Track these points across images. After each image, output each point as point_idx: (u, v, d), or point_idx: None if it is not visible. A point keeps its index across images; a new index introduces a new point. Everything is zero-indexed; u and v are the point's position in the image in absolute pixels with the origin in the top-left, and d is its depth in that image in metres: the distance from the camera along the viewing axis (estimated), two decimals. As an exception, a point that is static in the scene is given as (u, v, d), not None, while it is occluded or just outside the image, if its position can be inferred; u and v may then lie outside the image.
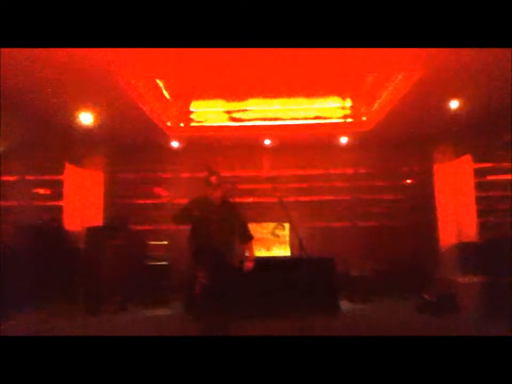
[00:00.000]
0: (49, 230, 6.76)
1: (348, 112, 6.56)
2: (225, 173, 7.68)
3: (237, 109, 6.56)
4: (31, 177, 7.59)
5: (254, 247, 6.30)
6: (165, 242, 7.37)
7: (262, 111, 6.53)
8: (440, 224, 6.97)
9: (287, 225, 6.46)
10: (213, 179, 3.79)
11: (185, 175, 7.79)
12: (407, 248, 7.11)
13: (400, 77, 5.03)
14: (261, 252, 6.42)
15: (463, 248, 6.42)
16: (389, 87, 5.42)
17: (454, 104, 5.36)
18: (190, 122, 6.64)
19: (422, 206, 7.37)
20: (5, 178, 7.57)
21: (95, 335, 4.24)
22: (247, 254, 4.06)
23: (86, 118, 5.67)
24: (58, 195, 7.13)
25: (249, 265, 3.95)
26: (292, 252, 6.36)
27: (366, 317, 5.59)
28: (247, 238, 4.03)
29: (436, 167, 7.07)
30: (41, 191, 7.49)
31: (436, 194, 7.06)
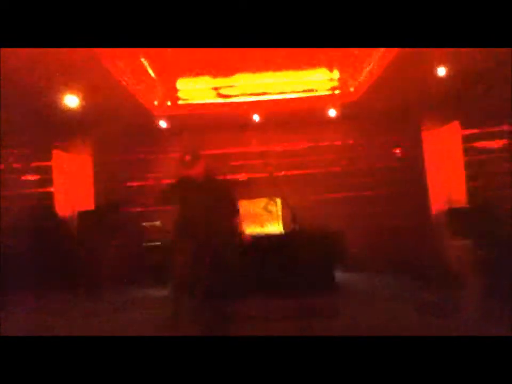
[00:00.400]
0: (41, 217, 6.73)
1: (336, 84, 6.53)
2: (215, 151, 7.68)
3: (224, 85, 6.49)
4: (18, 165, 7.50)
5: (248, 224, 6.52)
6: (158, 223, 7.36)
7: (250, 86, 6.47)
8: (431, 190, 7.05)
9: (279, 201, 6.49)
10: (186, 157, 3.82)
11: (175, 155, 7.73)
12: (400, 217, 7.20)
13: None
14: (254, 229, 6.45)
15: (453, 214, 6.54)
16: (375, 56, 5.39)
17: (440, 70, 5.36)
18: (177, 101, 6.56)
19: (411, 174, 7.44)
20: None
21: (96, 332, 4.20)
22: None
23: (70, 102, 5.56)
24: (47, 181, 7.05)
25: (246, 238, 4.13)
26: (284, 227, 6.41)
27: (361, 289, 5.67)
28: (234, 212, 4.09)
29: (425, 135, 7.11)
30: (30, 177, 7.41)
31: (426, 161, 7.11)
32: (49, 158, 6.94)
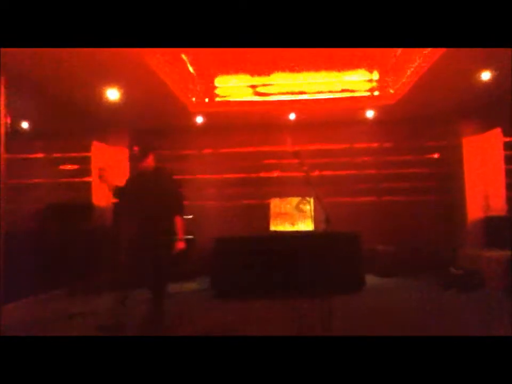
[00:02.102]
0: (77, 207, 6.92)
1: (375, 85, 6.45)
2: (249, 149, 7.73)
3: (262, 83, 6.51)
4: (58, 155, 7.75)
5: (278, 221, 6.54)
6: (190, 216, 7.45)
7: (287, 85, 6.46)
8: (468, 198, 6.88)
9: (311, 200, 6.47)
10: (136, 150, 3.83)
11: (208, 151, 7.84)
12: (434, 223, 7.07)
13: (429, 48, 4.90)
14: (285, 227, 6.47)
15: (491, 222, 6.37)
16: (417, 58, 5.29)
17: (483, 75, 5.22)
18: (214, 98, 6.62)
19: (449, 180, 7.28)
20: (32, 156, 7.75)
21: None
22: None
23: (111, 95, 5.70)
24: (86, 172, 7.25)
25: (179, 245, 3.72)
26: (316, 227, 6.38)
27: (390, 292, 5.62)
28: (176, 210, 3.80)
29: (465, 141, 6.93)
30: (68, 167, 7.65)
31: (465, 168, 6.94)
32: (88, 149, 7.14)
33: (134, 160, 3.88)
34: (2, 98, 4.63)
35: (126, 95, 5.73)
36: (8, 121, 4.97)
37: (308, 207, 6.49)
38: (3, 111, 4.69)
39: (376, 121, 7.21)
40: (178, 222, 3.76)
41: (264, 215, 6.60)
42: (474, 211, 6.76)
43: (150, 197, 3.67)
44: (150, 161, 3.80)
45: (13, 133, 5.26)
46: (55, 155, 7.71)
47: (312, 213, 6.42)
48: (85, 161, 7.21)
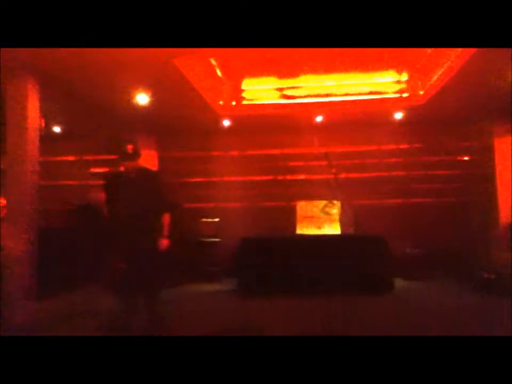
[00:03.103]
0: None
1: (404, 86, 6.35)
2: (276, 151, 7.74)
3: (289, 86, 6.50)
4: (89, 157, 7.93)
5: (305, 224, 6.50)
6: (217, 220, 7.50)
7: (314, 87, 6.44)
8: (500, 200, 6.71)
9: (338, 203, 6.42)
10: (129, 148, 3.65)
11: (235, 153, 7.89)
12: (464, 225, 6.92)
13: (460, 48, 4.80)
14: (311, 230, 6.43)
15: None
16: (447, 59, 5.19)
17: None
18: (241, 101, 6.65)
19: (480, 182, 7.11)
20: (64, 158, 7.96)
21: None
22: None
23: (140, 97, 5.79)
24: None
25: (163, 242, 3.68)
26: (342, 230, 6.33)
27: (420, 295, 5.52)
28: (163, 209, 3.76)
29: (497, 142, 6.76)
30: (98, 170, 7.81)
31: (497, 169, 6.77)
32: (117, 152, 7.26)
33: (124, 157, 3.70)
34: (33, 101, 4.78)
35: (155, 97, 5.81)
36: (43, 124, 5.13)
37: (334, 210, 6.45)
38: (37, 114, 4.84)
39: (405, 122, 7.11)
40: (165, 220, 3.75)
41: (290, 217, 6.59)
42: (506, 214, 6.59)
43: (135, 195, 3.62)
44: (138, 163, 3.74)
45: (46, 135, 5.40)
46: (85, 157, 7.91)
47: (339, 216, 6.38)
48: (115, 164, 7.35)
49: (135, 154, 3.70)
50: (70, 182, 7.90)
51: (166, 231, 3.73)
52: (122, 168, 3.77)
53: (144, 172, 3.82)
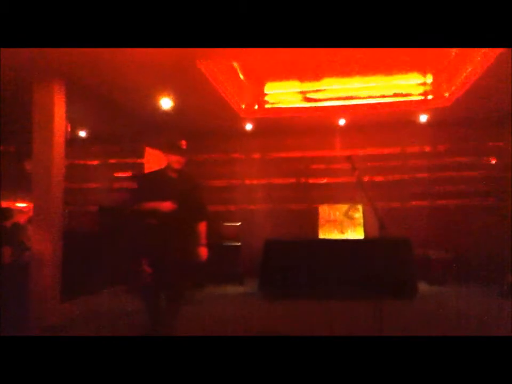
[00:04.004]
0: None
1: (429, 88, 6.26)
2: (299, 153, 7.71)
3: (312, 89, 6.47)
4: (113, 161, 8.06)
5: (327, 228, 6.43)
6: (238, 224, 7.50)
7: (338, 90, 6.40)
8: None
9: (361, 207, 6.34)
10: (183, 143, 3.51)
11: (257, 155, 7.89)
12: (490, 228, 6.75)
13: (485, 49, 4.70)
14: (334, 234, 6.37)
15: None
16: (472, 60, 5.09)
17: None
18: (264, 104, 6.66)
19: (506, 184, 6.93)
20: (90, 162, 8.11)
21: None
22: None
23: (163, 101, 5.85)
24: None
25: (203, 252, 3.56)
26: (366, 234, 6.24)
27: (444, 300, 5.41)
28: (200, 217, 3.62)
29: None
30: (121, 174, 7.94)
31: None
32: (141, 155, 7.37)
33: (175, 151, 3.53)
34: (60, 104, 4.87)
35: (179, 101, 5.86)
36: (68, 128, 5.23)
37: (357, 214, 6.37)
38: (63, 118, 4.93)
39: (430, 124, 7.00)
40: (203, 228, 3.63)
41: (313, 221, 6.53)
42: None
43: (174, 197, 3.41)
44: (183, 163, 3.56)
45: (72, 139, 5.51)
46: (110, 161, 8.04)
47: (362, 220, 6.29)
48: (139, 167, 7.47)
49: (186, 152, 3.58)
50: (95, 185, 8.04)
51: (204, 240, 3.62)
52: (165, 165, 3.57)
53: (185, 174, 3.67)
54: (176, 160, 3.50)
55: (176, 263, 3.46)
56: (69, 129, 5.26)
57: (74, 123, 6.26)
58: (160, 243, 3.41)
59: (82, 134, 7.46)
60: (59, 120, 4.80)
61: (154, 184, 3.52)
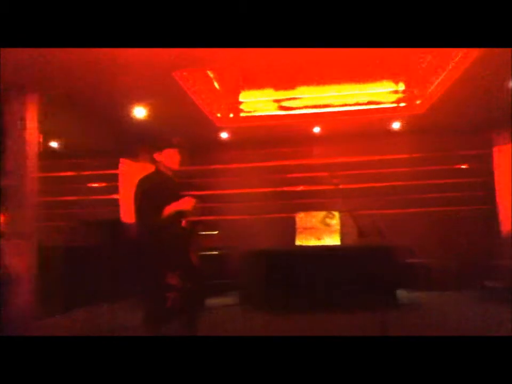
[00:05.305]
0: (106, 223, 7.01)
1: (401, 96, 6.39)
2: (275, 162, 7.73)
3: (286, 97, 6.52)
4: (87, 172, 7.91)
5: (304, 236, 6.44)
6: (215, 232, 7.46)
7: (312, 98, 6.46)
8: (500, 208, 6.70)
9: (337, 214, 6.39)
10: (177, 140, 3.22)
11: (233, 166, 7.87)
12: (466, 234, 6.90)
13: (457, 57, 4.83)
14: (311, 241, 6.38)
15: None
16: (445, 68, 5.22)
17: (513, 83, 5.11)
18: (239, 113, 6.67)
19: (480, 190, 7.11)
20: (63, 174, 7.94)
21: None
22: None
23: (139, 112, 5.79)
24: (114, 189, 7.37)
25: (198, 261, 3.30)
26: (342, 241, 6.27)
27: (425, 309, 5.47)
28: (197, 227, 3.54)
29: (495, 150, 6.78)
30: (96, 185, 7.81)
31: (496, 177, 6.78)
32: (116, 166, 7.26)
33: (169, 146, 3.22)
34: (32, 115, 4.76)
35: (154, 111, 5.81)
36: (40, 139, 5.11)
37: (334, 221, 6.41)
38: (36, 129, 4.81)
39: (403, 132, 7.14)
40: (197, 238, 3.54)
41: (290, 229, 6.54)
42: (506, 222, 6.57)
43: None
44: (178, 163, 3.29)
45: (44, 151, 5.38)
46: (84, 173, 7.89)
47: (338, 227, 6.33)
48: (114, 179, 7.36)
49: (181, 148, 3.28)
50: (68, 198, 7.87)
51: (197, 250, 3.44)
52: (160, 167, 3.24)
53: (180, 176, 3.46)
54: (174, 161, 3.24)
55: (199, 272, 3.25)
56: (41, 141, 5.14)
57: (48, 134, 6.14)
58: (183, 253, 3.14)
59: (55, 145, 7.30)
60: (31, 131, 4.69)
61: (161, 188, 3.14)
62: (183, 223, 3.16)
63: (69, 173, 7.96)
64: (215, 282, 6.62)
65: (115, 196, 7.37)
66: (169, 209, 3.02)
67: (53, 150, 7.32)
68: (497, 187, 6.78)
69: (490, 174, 6.87)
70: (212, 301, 6.13)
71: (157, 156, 3.20)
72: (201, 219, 3.36)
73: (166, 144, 3.23)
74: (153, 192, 3.04)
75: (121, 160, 7.22)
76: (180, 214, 3.15)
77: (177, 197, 3.17)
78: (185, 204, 3.09)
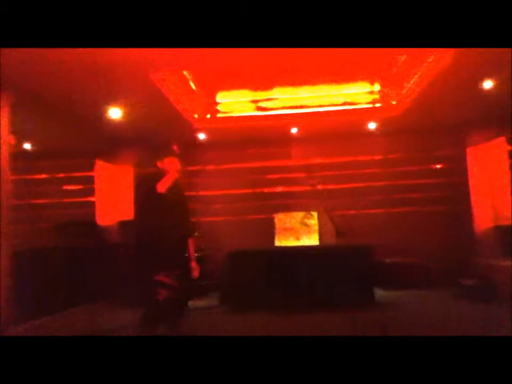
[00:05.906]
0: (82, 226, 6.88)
1: (377, 96, 6.45)
2: (253, 163, 7.72)
3: (263, 98, 6.52)
4: (62, 175, 7.76)
5: (283, 236, 6.45)
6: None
7: (289, 99, 6.47)
8: (475, 207, 6.83)
9: (315, 214, 6.42)
10: (175, 147, 3.34)
11: (211, 167, 7.83)
12: (443, 233, 7.01)
13: (431, 58, 4.91)
14: (290, 242, 6.40)
15: (500, 231, 6.31)
16: (419, 69, 5.29)
17: (487, 85, 5.21)
18: (216, 114, 6.63)
19: (455, 190, 7.23)
20: (36, 176, 7.77)
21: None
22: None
23: (114, 113, 5.71)
24: (90, 191, 7.25)
25: (196, 267, 3.40)
26: (325, 241, 6.31)
27: (401, 307, 5.51)
28: (191, 230, 3.53)
29: (469, 150, 6.91)
30: (71, 187, 7.66)
31: (470, 177, 6.91)
32: (92, 168, 7.14)
33: (167, 154, 3.36)
34: (3, 117, 4.63)
35: (130, 112, 5.73)
36: (12, 141, 4.98)
37: (312, 221, 6.44)
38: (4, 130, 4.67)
39: (380, 133, 7.21)
40: (192, 243, 3.51)
41: (270, 230, 6.54)
42: (481, 221, 6.70)
43: (171, 206, 3.27)
44: (177, 170, 3.36)
45: (18, 153, 5.26)
46: (59, 175, 7.74)
47: (316, 227, 6.36)
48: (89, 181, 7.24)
49: (178, 155, 3.36)
50: (42, 201, 7.70)
51: (193, 255, 3.46)
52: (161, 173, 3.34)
53: (179, 184, 3.47)
54: (175, 168, 3.33)
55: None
56: (13, 143, 5.02)
57: (20, 135, 6.00)
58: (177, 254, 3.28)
59: (29, 146, 7.13)
60: (2, 132, 4.56)
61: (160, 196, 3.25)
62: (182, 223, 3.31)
63: (43, 176, 7.80)
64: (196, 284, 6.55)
65: (91, 198, 7.26)
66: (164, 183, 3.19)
67: (25, 151, 7.16)
68: (471, 186, 6.90)
69: (464, 173, 6.99)
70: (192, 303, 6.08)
71: (159, 163, 3.39)
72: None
73: (167, 153, 3.40)
74: (156, 193, 3.20)
75: (97, 162, 7.10)
76: (179, 214, 3.33)
77: (177, 197, 3.37)
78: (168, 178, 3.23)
